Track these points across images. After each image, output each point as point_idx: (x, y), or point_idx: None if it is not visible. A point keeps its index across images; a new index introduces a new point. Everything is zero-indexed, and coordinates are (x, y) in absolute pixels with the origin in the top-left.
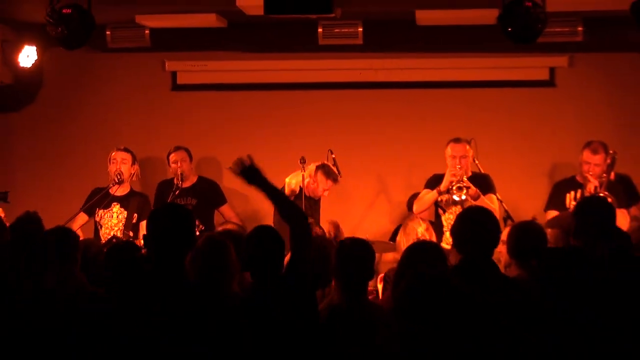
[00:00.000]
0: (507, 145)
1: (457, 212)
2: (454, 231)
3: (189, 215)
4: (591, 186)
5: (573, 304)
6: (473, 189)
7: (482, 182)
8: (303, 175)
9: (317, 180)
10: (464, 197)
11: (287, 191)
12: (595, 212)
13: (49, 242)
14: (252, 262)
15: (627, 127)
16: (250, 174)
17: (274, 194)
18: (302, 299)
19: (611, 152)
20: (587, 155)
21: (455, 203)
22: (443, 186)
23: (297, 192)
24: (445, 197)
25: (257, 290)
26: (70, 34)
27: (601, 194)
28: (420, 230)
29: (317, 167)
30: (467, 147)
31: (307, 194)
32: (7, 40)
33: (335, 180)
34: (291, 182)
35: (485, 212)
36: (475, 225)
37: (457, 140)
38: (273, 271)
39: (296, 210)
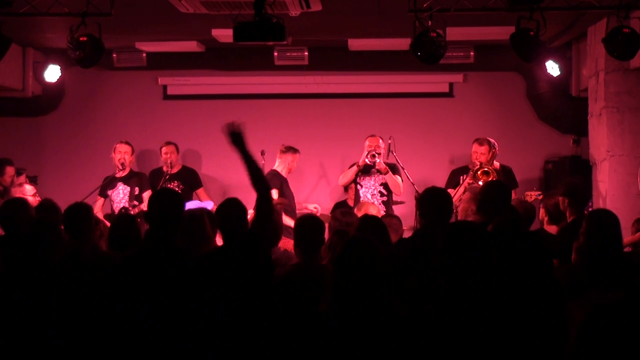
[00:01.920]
0: (417, 140)
1: (372, 186)
2: (419, 204)
3: (179, 197)
4: (476, 167)
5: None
6: (383, 165)
7: (391, 168)
8: (263, 164)
9: (286, 158)
10: (377, 160)
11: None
12: (494, 193)
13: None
14: (221, 227)
15: (507, 127)
16: (235, 137)
17: (249, 160)
18: (260, 253)
19: (494, 143)
20: (475, 146)
21: (367, 172)
22: (361, 162)
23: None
24: (362, 177)
25: (225, 248)
26: (85, 56)
27: (485, 168)
28: (372, 210)
29: (282, 151)
30: (380, 140)
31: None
32: (37, 61)
33: (293, 150)
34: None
35: (444, 193)
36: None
37: (372, 135)
38: (237, 232)
39: (263, 180)
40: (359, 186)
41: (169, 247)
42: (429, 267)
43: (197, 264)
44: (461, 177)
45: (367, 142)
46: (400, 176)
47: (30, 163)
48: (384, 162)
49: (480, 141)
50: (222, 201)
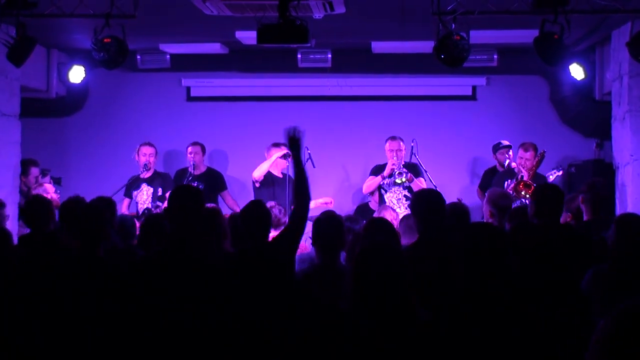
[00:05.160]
0: (440, 143)
1: (397, 191)
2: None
3: (199, 194)
4: (524, 175)
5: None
6: (409, 175)
7: (412, 169)
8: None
9: (272, 154)
10: (404, 179)
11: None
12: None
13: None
14: (245, 228)
15: (530, 131)
16: (293, 142)
17: (299, 167)
18: (285, 259)
19: (543, 151)
20: (520, 152)
21: (396, 184)
22: (386, 172)
23: (262, 179)
24: (387, 180)
25: (249, 250)
26: (109, 57)
27: (528, 181)
28: (389, 216)
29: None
30: (401, 142)
31: (278, 175)
32: (62, 62)
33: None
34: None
35: (437, 195)
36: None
37: (393, 138)
38: (260, 234)
39: (306, 189)
40: (383, 191)
41: (190, 245)
42: (442, 272)
43: (220, 264)
44: (505, 182)
45: (387, 145)
46: (423, 177)
47: (54, 164)
48: (405, 163)
49: (525, 147)
50: (246, 204)
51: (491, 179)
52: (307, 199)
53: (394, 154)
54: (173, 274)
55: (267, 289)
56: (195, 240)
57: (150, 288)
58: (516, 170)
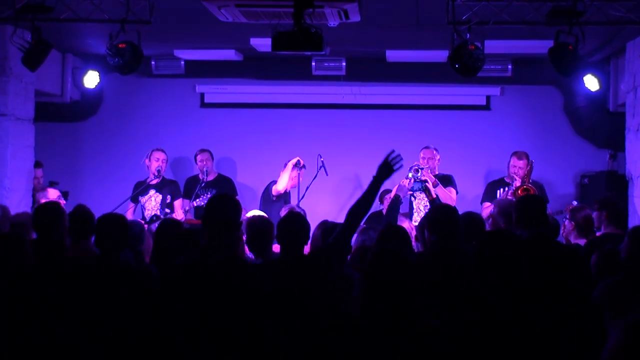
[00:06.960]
0: (453, 153)
1: (424, 198)
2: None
3: (238, 203)
4: (516, 183)
5: (497, 272)
6: (432, 178)
7: (445, 180)
8: (299, 174)
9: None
10: (419, 176)
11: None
12: (530, 206)
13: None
14: (281, 239)
15: (543, 141)
16: (386, 168)
17: (372, 193)
18: (326, 277)
19: (531, 161)
20: (514, 160)
21: (416, 188)
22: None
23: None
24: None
25: (283, 261)
26: (124, 63)
27: (526, 186)
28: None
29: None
30: (434, 151)
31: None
32: (76, 67)
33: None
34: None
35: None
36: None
37: (427, 147)
38: (298, 247)
39: (363, 215)
40: (412, 197)
41: (229, 254)
42: (457, 280)
43: (257, 273)
44: (497, 190)
45: (421, 154)
46: (455, 188)
47: (67, 168)
48: (439, 174)
49: (519, 155)
50: (285, 214)
51: None
52: (359, 223)
53: (426, 162)
54: (211, 285)
55: (301, 299)
56: (234, 249)
57: (186, 296)
58: (507, 179)
